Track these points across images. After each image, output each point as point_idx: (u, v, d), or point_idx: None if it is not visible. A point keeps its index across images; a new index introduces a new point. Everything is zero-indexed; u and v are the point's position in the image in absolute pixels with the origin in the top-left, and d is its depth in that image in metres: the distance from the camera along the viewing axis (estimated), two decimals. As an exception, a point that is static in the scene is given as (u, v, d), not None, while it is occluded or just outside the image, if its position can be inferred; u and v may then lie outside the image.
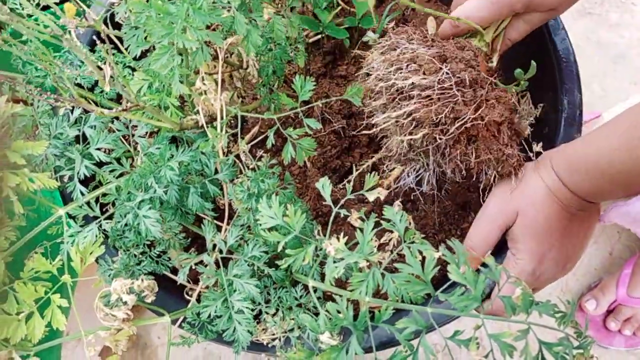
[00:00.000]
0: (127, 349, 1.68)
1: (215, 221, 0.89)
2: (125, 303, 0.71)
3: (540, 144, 0.93)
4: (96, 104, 0.81)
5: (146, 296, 0.75)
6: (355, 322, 0.69)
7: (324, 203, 1.07)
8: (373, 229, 0.71)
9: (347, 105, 1.10)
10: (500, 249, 0.90)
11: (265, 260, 0.80)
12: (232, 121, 0.92)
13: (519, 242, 0.84)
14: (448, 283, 0.68)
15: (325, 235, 0.73)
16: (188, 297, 0.93)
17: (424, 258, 0.69)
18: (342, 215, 0.92)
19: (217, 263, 0.81)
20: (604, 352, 1.59)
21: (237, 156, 0.88)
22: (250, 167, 0.82)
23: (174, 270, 0.94)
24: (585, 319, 1.54)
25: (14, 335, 0.70)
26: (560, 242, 0.84)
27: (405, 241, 0.71)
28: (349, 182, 0.77)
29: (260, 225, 0.73)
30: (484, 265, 0.67)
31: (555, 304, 0.64)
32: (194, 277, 0.96)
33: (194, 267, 0.84)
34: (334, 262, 0.71)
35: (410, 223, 0.73)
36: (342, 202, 0.75)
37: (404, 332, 0.68)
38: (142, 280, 0.73)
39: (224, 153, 0.84)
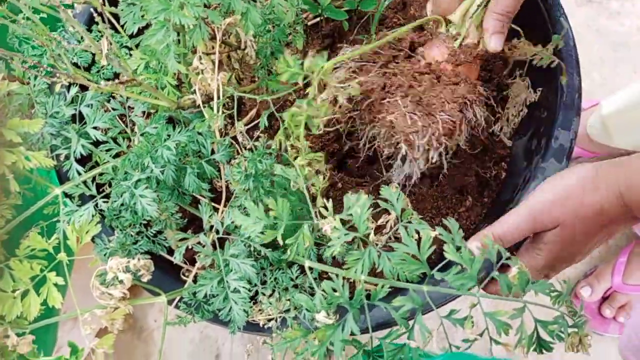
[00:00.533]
0: (124, 331, 1.69)
1: (212, 203, 0.89)
2: (121, 282, 0.71)
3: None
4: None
5: (142, 275, 0.75)
6: (352, 300, 0.69)
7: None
8: (370, 210, 0.71)
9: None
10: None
11: (262, 242, 0.80)
12: (229, 103, 0.92)
13: (548, 244, 0.83)
14: (443, 262, 0.68)
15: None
16: (184, 278, 0.93)
17: (419, 238, 0.69)
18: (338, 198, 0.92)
19: (213, 245, 0.81)
20: (599, 339, 1.59)
21: (234, 138, 0.88)
22: (247, 147, 0.82)
23: (170, 251, 0.94)
24: (580, 304, 1.55)
25: (10, 312, 0.70)
26: (585, 247, 0.83)
27: (402, 221, 0.70)
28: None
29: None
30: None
31: (551, 283, 0.64)
32: (191, 259, 0.96)
33: (190, 248, 0.84)
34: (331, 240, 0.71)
35: (408, 205, 0.73)
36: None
37: (400, 310, 0.68)
38: (139, 259, 0.73)
39: (220, 134, 0.84)
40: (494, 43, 0.88)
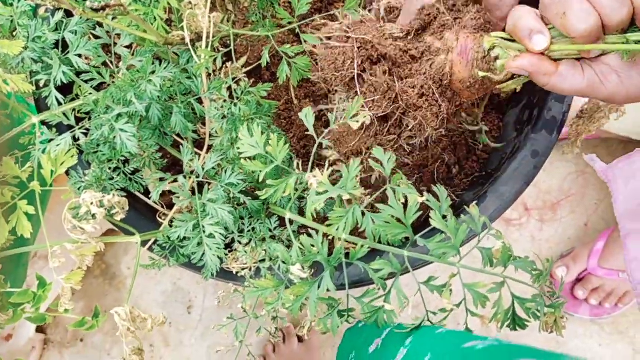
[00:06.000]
0: (96, 277, 1.67)
1: (195, 149, 0.87)
2: (94, 216, 0.68)
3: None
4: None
5: (116, 213, 0.73)
6: (330, 257, 0.68)
7: (310, 141, 1.05)
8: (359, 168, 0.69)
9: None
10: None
11: (242, 189, 0.78)
12: (218, 48, 0.88)
13: None
14: (428, 229, 0.67)
15: (306, 170, 0.71)
16: (161, 221, 0.91)
17: (406, 202, 0.67)
18: (324, 155, 0.90)
19: (192, 190, 0.79)
20: (569, 319, 1.61)
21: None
22: (226, 87, 0.79)
23: (147, 193, 0.92)
24: (559, 284, 1.56)
25: (-24, 238, 0.68)
26: None
27: (390, 183, 0.69)
28: (330, 111, 0.74)
29: (240, 153, 0.71)
30: (465, 213, 0.66)
31: (533, 261, 0.63)
32: (168, 204, 0.94)
33: (167, 193, 0.82)
34: (317, 194, 0.69)
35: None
36: (326, 132, 0.72)
37: (379, 272, 0.67)
38: (114, 195, 0.71)
39: (208, 75, 0.81)
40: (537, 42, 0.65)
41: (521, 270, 0.64)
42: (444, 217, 0.65)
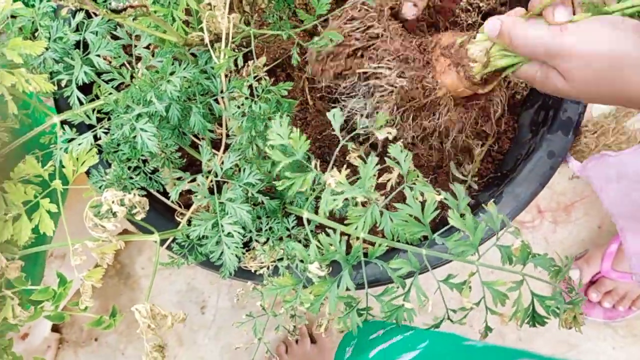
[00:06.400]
0: (111, 277, 1.69)
1: (212, 150, 0.87)
2: (115, 214, 0.69)
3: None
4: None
5: (137, 212, 0.74)
6: (348, 256, 0.68)
7: (325, 142, 1.06)
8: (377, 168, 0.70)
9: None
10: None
11: (260, 188, 0.78)
12: (236, 49, 0.89)
13: None
14: (446, 227, 0.67)
15: (323, 171, 0.72)
16: (179, 220, 0.92)
17: (423, 200, 0.68)
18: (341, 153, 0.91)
19: (210, 189, 0.79)
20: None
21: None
22: (247, 85, 0.80)
23: (165, 193, 0.92)
24: (576, 285, 1.55)
25: (0, 235, 0.69)
26: None
27: (407, 181, 0.69)
28: (361, 115, 0.74)
29: (269, 142, 0.71)
30: (482, 213, 0.66)
31: (552, 258, 0.63)
32: (185, 204, 0.95)
33: (185, 193, 0.82)
34: (334, 194, 0.69)
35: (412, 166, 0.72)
36: (348, 136, 0.73)
37: (398, 271, 0.67)
38: (135, 194, 0.72)
39: (226, 75, 0.82)
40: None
41: (539, 268, 0.65)
42: (462, 215, 0.65)
